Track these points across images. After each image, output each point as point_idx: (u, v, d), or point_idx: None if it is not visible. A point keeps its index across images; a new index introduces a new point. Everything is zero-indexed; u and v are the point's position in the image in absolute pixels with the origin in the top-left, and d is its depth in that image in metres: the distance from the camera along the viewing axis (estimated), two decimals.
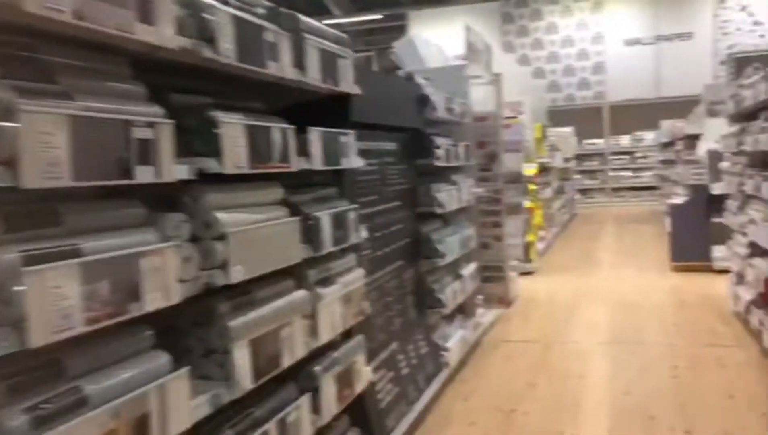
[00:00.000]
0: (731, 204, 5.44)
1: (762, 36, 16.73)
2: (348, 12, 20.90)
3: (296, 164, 2.29)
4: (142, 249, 1.57)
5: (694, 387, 4.00)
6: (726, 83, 5.88)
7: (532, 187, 7.90)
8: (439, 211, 4.15)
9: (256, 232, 2.01)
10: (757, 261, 4.56)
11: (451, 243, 4.32)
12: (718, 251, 7.39)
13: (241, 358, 1.92)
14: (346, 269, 2.78)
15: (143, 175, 1.59)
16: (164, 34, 1.67)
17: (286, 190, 2.39)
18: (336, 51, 2.66)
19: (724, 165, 5.52)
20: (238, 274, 1.90)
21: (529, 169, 7.91)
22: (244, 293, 2.05)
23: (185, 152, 1.87)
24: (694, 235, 7.54)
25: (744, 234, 4.93)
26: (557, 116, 16.35)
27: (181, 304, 1.73)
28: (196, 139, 1.89)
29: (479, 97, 5.98)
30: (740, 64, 5.42)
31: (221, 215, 1.88)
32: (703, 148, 7.73)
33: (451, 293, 4.34)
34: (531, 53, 18.72)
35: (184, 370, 1.70)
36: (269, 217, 2.16)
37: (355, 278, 2.81)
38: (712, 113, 7.75)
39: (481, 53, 5.66)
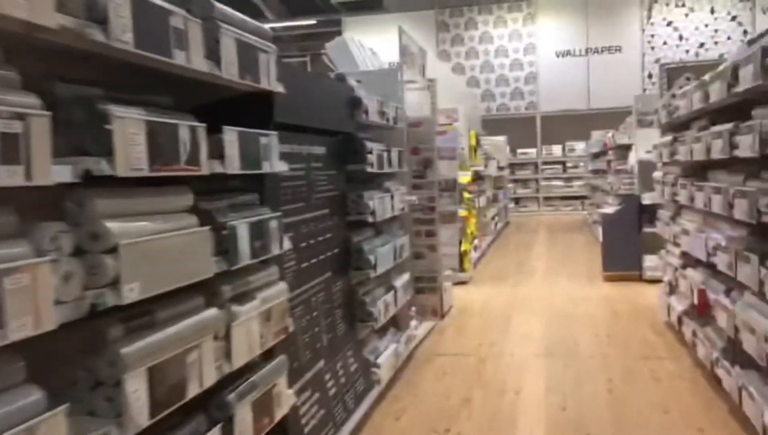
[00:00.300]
0: (663, 214, 5.44)
1: (687, 51, 17.28)
2: (282, 16, 20.57)
3: (208, 167, 2.04)
4: (5, 266, 1.30)
5: (630, 401, 3.91)
6: (657, 94, 5.90)
7: (466, 195, 7.81)
8: (370, 219, 3.95)
9: (156, 243, 1.76)
10: (690, 271, 4.54)
11: (383, 253, 4.12)
12: (649, 261, 7.45)
13: (136, 390, 1.66)
14: (267, 283, 2.54)
15: (8, 176, 1.32)
16: (39, 9, 1.40)
17: (197, 196, 2.14)
18: (256, 44, 2.43)
19: (657, 175, 5.52)
20: (132, 292, 1.64)
21: (464, 177, 7.82)
22: (143, 314, 1.79)
23: (72, 151, 1.60)
24: (626, 244, 7.59)
25: (677, 244, 4.92)
26: (491, 125, 16.46)
27: (65, 328, 1.46)
28: (84, 135, 1.62)
29: (414, 103, 5.82)
30: (671, 74, 5.42)
31: (112, 224, 1.62)
32: (634, 158, 7.80)
33: (383, 306, 4.14)
34: (466, 62, 18.82)
35: (61, 408, 1.43)
36: (174, 226, 1.90)
37: (277, 293, 2.57)
38: (643, 123, 7.83)
39: (415, 57, 5.51)
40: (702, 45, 17.16)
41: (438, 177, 5.98)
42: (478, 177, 10.18)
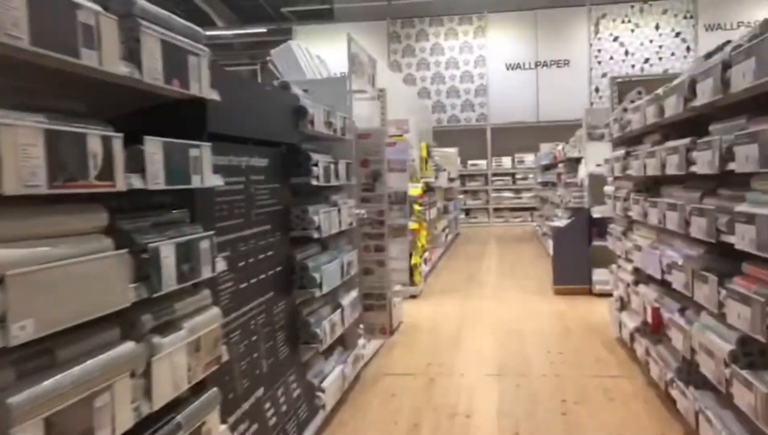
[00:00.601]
0: (615, 228, 5.37)
1: (633, 65, 17.58)
2: (232, 24, 20.22)
3: (124, 182, 1.80)
4: None
5: (584, 425, 3.78)
6: (608, 108, 5.86)
7: (417, 207, 7.66)
8: (316, 235, 3.74)
9: (56, 271, 1.51)
10: (643, 288, 4.45)
11: (329, 270, 3.91)
12: (598, 275, 7.42)
13: None
14: (197, 309, 2.30)
15: None
16: None
17: (115, 215, 1.90)
18: (186, 46, 2.20)
19: (608, 189, 5.46)
20: (24, 331, 1.40)
21: (415, 189, 7.67)
22: (39, 354, 1.53)
23: None
24: (576, 258, 7.54)
25: (629, 260, 4.84)
26: (442, 136, 16.44)
27: None
28: None
29: (363, 113, 5.65)
30: (622, 88, 5.38)
31: None
32: (584, 172, 7.78)
33: (329, 326, 3.92)
34: (417, 73, 18.78)
35: None
36: (82, 250, 1.66)
37: (208, 320, 2.34)
38: (593, 137, 7.82)
39: (364, 66, 5.33)
40: (647, 60, 17.49)
41: (387, 189, 5.81)
42: (428, 189, 10.06)
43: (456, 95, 18.68)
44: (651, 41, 17.68)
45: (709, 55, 3.04)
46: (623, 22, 17.86)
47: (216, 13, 19.67)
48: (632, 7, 17.74)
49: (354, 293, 4.61)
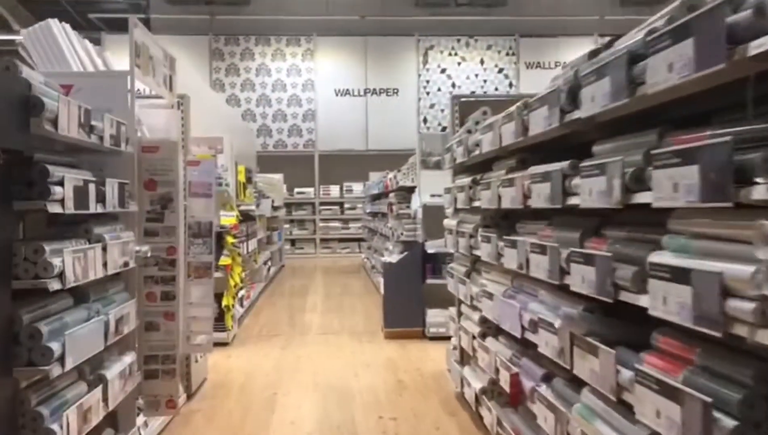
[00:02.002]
0: (456, 269, 4.64)
1: None
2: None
3: None
4: None
5: None
6: (447, 132, 5.19)
7: (230, 239, 6.55)
8: (56, 285, 2.57)
9: None
10: (492, 343, 3.71)
11: (80, 335, 2.74)
12: (433, 316, 6.73)
13: None
14: None
15: None
16: None
17: None
18: None
19: (449, 223, 4.73)
20: None
21: (228, 219, 6.56)
22: None
23: None
24: (409, 297, 6.81)
25: (474, 308, 4.10)
26: (267, 162, 15.43)
27: None
28: None
29: (160, 125, 4.50)
30: (464, 108, 4.71)
31: None
32: (417, 202, 7.11)
33: (78, 415, 2.74)
34: (241, 94, 17.61)
35: None
36: None
37: None
38: (427, 165, 7.19)
39: (157, 63, 4.21)
40: (473, 93, 17.66)
41: (190, 219, 4.67)
42: (247, 217, 8.96)
43: (283, 119, 17.74)
44: (476, 75, 17.92)
45: (595, 53, 2.32)
46: (450, 54, 17.99)
47: (13, 16, 17.24)
48: (458, 40, 17.91)
49: (129, 358, 3.43)
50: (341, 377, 5.39)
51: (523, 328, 3.00)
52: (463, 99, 4.89)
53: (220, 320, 6.49)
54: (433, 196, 6.72)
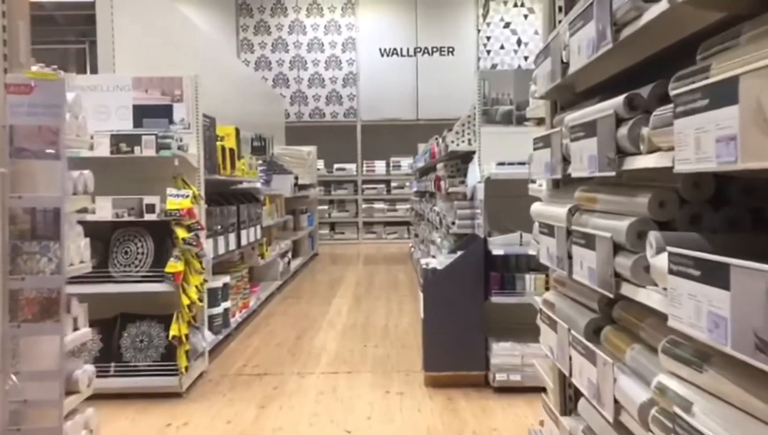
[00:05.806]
0: (563, 310, 2.16)
1: (526, 57, 14.95)
2: None
3: None
4: None
5: None
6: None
7: (183, 233, 4.22)
8: None
9: None
10: None
11: None
12: (500, 352, 4.29)
13: None
14: None
15: None
16: None
17: None
18: None
19: (543, 210, 2.25)
20: None
21: (178, 201, 4.23)
22: None
23: None
24: (463, 324, 4.36)
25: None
26: (300, 133, 13.15)
27: None
28: None
29: None
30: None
31: None
32: (476, 175, 4.60)
33: None
34: (272, 55, 15.33)
35: None
36: None
37: None
38: (490, 117, 4.68)
39: None
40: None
41: (12, 203, 2.34)
42: (252, 198, 6.67)
43: (320, 84, 15.39)
44: None
45: None
46: (516, 5, 15.24)
47: None
48: None
49: None
50: None
51: None
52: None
53: (167, 360, 4.21)
54: (501, 164, 4.23)
